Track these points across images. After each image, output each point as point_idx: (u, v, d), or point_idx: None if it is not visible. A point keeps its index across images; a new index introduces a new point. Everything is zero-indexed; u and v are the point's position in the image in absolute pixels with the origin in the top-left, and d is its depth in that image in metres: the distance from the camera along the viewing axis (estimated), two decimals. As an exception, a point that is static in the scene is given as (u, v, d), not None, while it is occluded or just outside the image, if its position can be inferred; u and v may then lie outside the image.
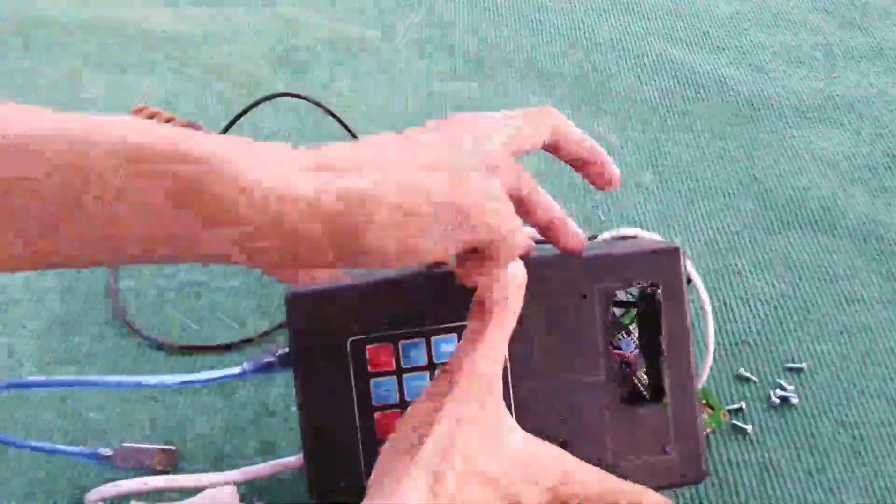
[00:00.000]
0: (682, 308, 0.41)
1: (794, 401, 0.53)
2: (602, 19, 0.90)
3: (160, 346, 0.58)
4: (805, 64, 0.82)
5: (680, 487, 0.44)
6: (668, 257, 0.41)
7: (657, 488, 0.40)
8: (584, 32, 0.88)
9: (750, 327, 0.57)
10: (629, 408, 0.41)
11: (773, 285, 0.60)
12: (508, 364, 0.40)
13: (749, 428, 0.51)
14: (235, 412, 0.53)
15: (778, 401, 0.53)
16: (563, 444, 0.39)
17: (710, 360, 0.50)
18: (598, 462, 0.39)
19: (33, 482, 0.50)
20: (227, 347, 0.57)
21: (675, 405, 0.41)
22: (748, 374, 0.54)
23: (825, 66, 0.81)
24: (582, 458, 0.39)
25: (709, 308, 0.49)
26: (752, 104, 0.77)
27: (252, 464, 0.48)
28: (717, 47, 0.85)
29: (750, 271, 0.61)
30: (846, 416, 0.52)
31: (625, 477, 0.39)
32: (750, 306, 0.59)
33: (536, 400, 0.41)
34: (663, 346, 0.41)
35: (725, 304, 0.59)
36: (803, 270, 0.61)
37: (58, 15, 0.92)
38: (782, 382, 0.54)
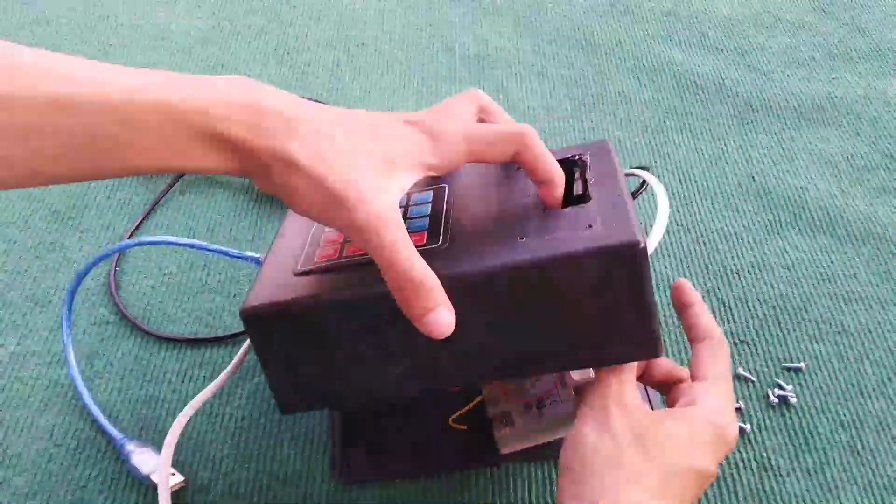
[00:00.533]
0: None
1: (793, 400, 0.53)
2: (601, 20, 0.90)
3: (164, 340, 0.58)
4: (804, 65, 0.82)
5: (617, 256, 0.37)
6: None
7: (595, 253, 0.37)
8: (584, 33, 0.88)
9: (749, 327, 0.57)
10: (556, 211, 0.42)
11: (772, 285, 0.60)
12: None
13: (748, 427, 0.51)
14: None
15: (776, 400, 0.53)
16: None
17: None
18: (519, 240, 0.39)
19: (33, 482, 0.50)
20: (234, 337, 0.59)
21: (600, 199, 0.41)
22: (747, 374, 0.54)
23: (824, 68, 0.82)
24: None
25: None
26: (751, 105, 0.77)
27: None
28: (716, 49, 0.85)
29: (749, 271, 0.61)
30: (844, 415, 0.52)
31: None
32: (749, 306, 0.59)
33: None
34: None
35: (724, 304, 0.59)
36: (802, 271, 0.61)
37: (58, 14, 0.93)
38: (781, 382, 0.54)
